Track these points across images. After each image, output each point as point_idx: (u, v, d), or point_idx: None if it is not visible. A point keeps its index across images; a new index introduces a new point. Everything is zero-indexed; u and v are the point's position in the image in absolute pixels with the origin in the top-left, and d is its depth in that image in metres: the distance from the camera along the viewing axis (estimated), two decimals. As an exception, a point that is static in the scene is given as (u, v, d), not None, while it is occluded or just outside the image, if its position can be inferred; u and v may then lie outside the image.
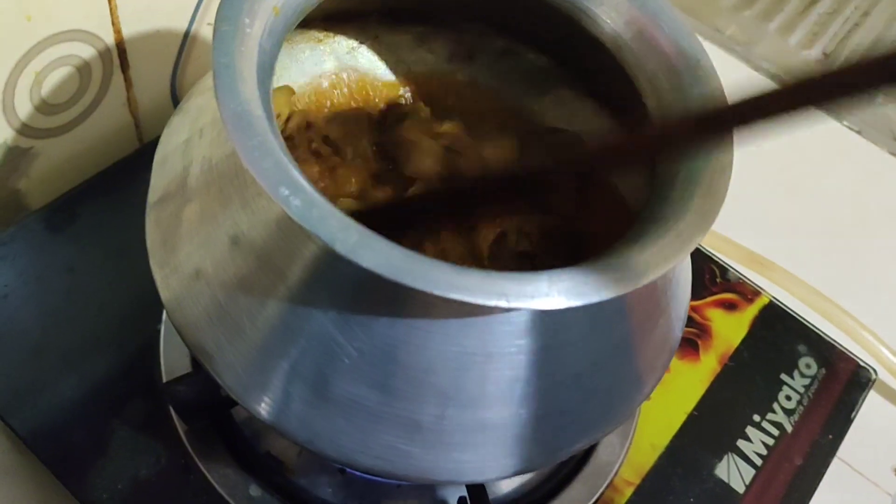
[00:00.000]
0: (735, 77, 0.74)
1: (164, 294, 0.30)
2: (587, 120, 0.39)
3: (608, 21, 0.33)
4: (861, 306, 0.53)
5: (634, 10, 0.33)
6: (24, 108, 0.41)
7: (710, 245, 0.54)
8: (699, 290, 0.48)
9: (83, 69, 0.42)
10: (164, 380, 0.39)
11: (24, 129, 0.42)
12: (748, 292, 0.49)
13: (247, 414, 0.36)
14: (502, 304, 0.24)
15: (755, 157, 0.65)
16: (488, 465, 0.29)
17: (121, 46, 0.43)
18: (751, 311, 0.48)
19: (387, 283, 0.24)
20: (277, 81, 0.38)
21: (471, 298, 0.24)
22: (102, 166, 0.45)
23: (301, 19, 0.30)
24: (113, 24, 0.42)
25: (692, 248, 0.28)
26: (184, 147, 0.31)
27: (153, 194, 0.32)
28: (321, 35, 0.40)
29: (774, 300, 0.49)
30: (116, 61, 0.44)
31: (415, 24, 0.41)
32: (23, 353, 0.39)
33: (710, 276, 0.49)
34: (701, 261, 0.50)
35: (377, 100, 0.42)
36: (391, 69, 0.41)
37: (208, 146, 0.30)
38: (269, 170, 0.24)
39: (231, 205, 0.29)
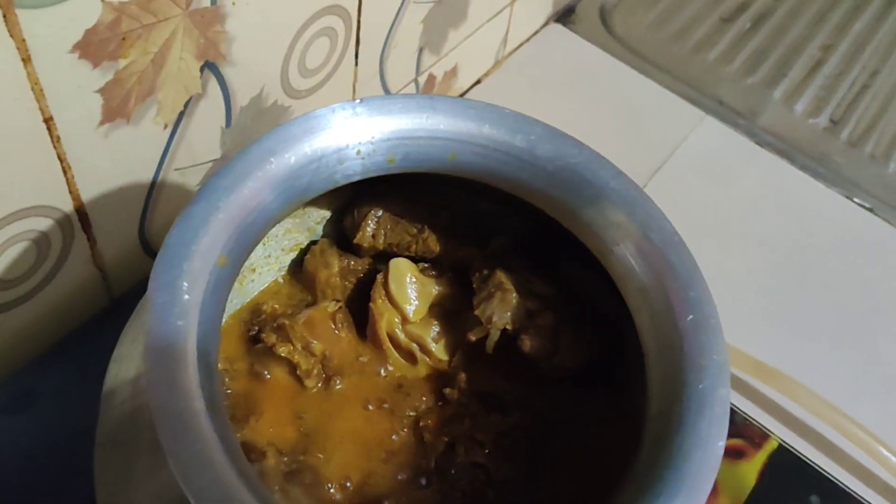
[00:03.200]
0: (738, 154, 0.72)
1: None
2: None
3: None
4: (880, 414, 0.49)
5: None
6: (-21, 290, 0.39)
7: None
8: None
9: (41, 240, 0.40)
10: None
11: (-21, 311, 0.40)
12: (756, 436, 0.46)
13: None
14: None
15: (755, 247, 0.63)
16: None
17: (81, 211, 0.41)
18: (759, 459, 0.45)
19: None
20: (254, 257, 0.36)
21: None
22: (71, 327, 0.43)
23: (249, 257, 0.28)
24: (70, 192, 0.40)
25: None
26: (132, 386, 0.29)
27: (101, 433, 0.29)
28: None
29: (784, 444, 0.46)
30: (77, 224, 0.42)
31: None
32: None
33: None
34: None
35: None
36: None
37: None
38: (203, 490, 0.22)
39: None
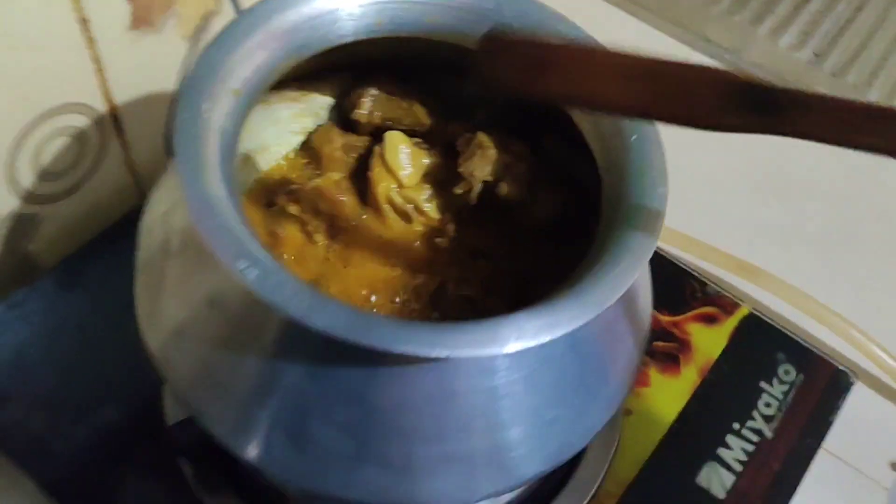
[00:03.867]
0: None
1: (152, 351, 0.33)
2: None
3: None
4: (847, 306, 0.54)
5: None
6: (26, 177, 0.44)
7: (694, 253, 0.56)
8: (679, 305, 0.50)
9: (80, 137, 0.46)
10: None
11: (28, 197, 0.45)
12: (728, 305, 0.50)
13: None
14: (438, 354, 0.26)
15: (735, 158, 0.67)
16: (456, 493, 0.32)
17: (114, 113, 0.47)
18: (730, 323, 0.49)
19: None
20: (256, 143, 0.41)
21: (414, 351, 0.26)
22: (107, 224, 0.48)
23: (261, 96, 0.33)
24: (104, 94, 0.45)
25: (629, 282, 0.30)
26: (164, 218, 0.34)
27: (140, 261, 0.35)
28: (297, 94, 0.43)
29: (754, 311, 0.50)
30: (111, 127, 0.47)
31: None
32: (38, 406, 0.43)
33: (690, 291, 0.51)
34: (681, 277, 0.51)
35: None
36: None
37: (185, 219, 0.32)
38: (228, 245, 0.27)
39: (206, 272, 0.31)
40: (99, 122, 0.46)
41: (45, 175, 0.45)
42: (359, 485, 0.31)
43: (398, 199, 0.41)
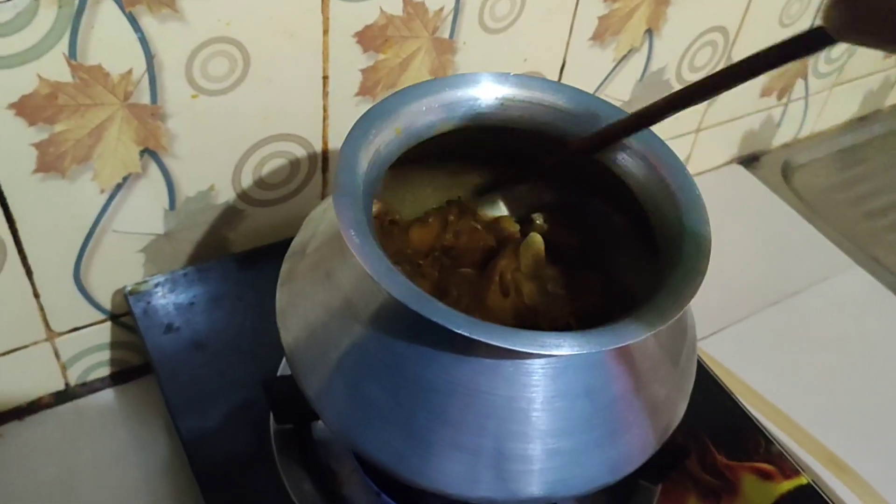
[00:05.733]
0: (880, 305, 0.77)
1: (279, 310, 0.43)
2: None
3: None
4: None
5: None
6: (246, 181, 0.58)
7: (785, 431, 0.58)
8: (739, 452, 0.53)
9: (294, 163, 0.59)
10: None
11: (243, 196, 0.58)
12: (787, 469, 0.52)
13: (324, 429, 0.48)
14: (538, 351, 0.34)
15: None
16: (456, 482, 0.38)
17: (325, 154, 0.60)
18: (784, 486, 0.51)
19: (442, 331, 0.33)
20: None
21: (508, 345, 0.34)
22: (290, 235, 0.60)
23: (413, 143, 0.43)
24: (323, 137, 0.59)
25: (672, 318, 0.36)
26: (322, 214, 0.45)
27: (292, 246, 0.45)
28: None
29: (813, 483, 0.52)
30: (319, 163, 0.60)
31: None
32: (191, 348, 0.54)
33: (754, 444, 0.53)
34: (750, 429, 0.54)
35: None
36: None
37: (328, 229, 0.43)
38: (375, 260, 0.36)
39: (334, 256, 0.41)
40: (312, 156, 0.59)
41: (261, 183, 0.59)
42: (380, 444, 0.38)
43: (508, 277, 0.49)
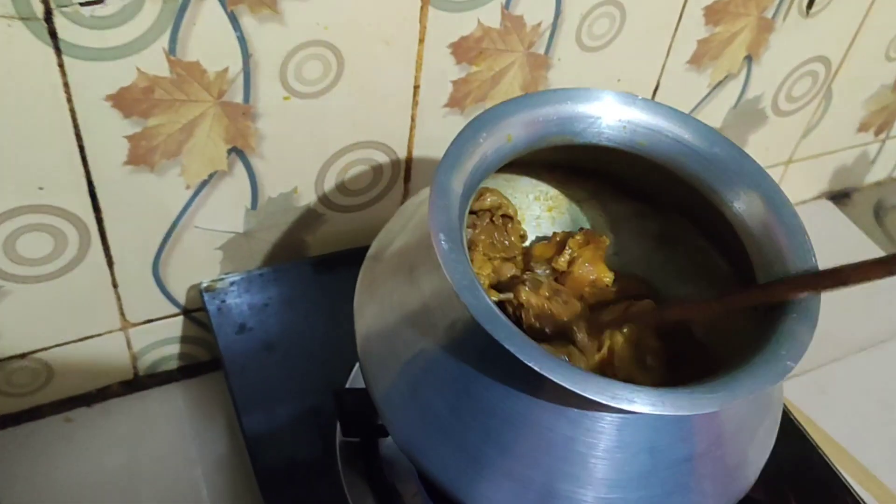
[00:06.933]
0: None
1: (357, 292, 0.42)
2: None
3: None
4: None
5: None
6: (329, 186, 0.57)
7: (874, 495, 0.55)
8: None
9: (377, 170, 0.58)
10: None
11: (324, 200, 0.58)
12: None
13: (390, 447, 0.47)
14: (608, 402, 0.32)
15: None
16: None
17: (409, 163, 0.59)
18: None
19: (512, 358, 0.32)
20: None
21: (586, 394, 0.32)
22: (368, 243, 0.60)
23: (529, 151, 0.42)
24: (408, 146, 0.58)
25: (764, 389, 0.34)
26: (405, 222, 0.44)
27: (371, 250, 0.44)
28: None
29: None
30: (403, 172, 0.59)
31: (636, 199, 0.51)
32: (261, 349, 0.54)
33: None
34: (837, 488, 0.51)
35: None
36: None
37: (416, 228, 0.42)
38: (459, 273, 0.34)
39: (420, 254, 0.40)
40: (396, 164, 0.58)
41: (343, 188, 0.58)
42: (433, 454, 0.36)
43: (608, 341, 0.46)
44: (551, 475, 0.35)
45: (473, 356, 0.36)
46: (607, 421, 0.35)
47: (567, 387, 0.32)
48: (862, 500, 0.51)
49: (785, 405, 0.57)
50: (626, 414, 0.35)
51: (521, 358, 0.32)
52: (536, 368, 0.32)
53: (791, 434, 0.54)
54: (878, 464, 0.60)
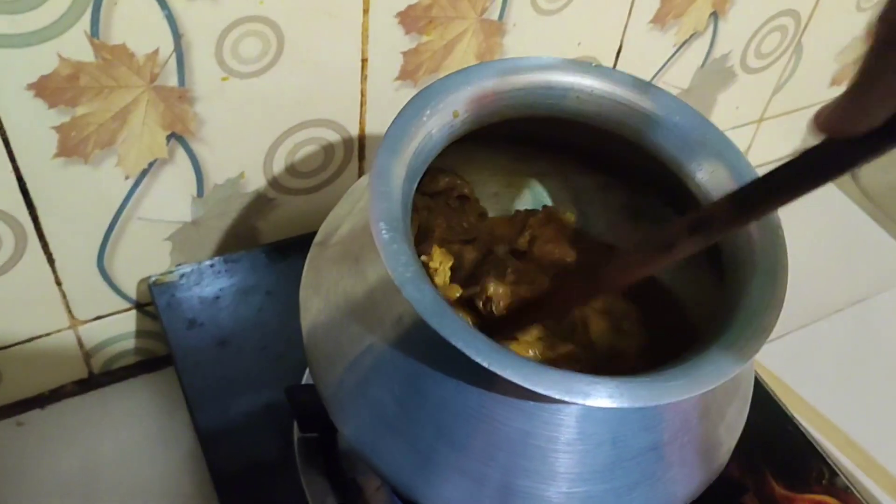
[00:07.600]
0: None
1: (303, 284, 0.40)
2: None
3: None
4: None
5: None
6: (278, 168, 0.55)
7: (851, 459, 0.54)
8: (799, 483, 0.49)
9: (328, 149, 0.55)
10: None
11: (274, 184, 0.55)
12: (852, 503, 0.48)
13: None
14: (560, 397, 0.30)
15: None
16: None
17: (362, 141, 0.56)
18: (844, 519, 0.47)
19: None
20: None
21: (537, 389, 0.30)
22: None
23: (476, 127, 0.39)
24: (360, 122, 0.55)
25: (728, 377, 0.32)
26: (351, 206, 0.41)
27: (318, 236, 0.42)
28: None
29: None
30: (356, 150, 0.57)
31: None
32: (214, 345, 0.51)
33: (816, 474, 0.49)
34: (811, 456, 0.50)
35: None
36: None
37: (362, 212, 0.39)
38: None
39: (365, 241, 0.37)
40: (348, 142, 0.56)
41: (293, 171, 0.55)
42: (383, 453, 0.34)
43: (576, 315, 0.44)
44: (509, 471, 0.34)
45: (422, 351, 0.34)
46: (566, 413, 0.33)
47: (518, 383, 0.30)
48: (839, 465, 0.50)
49: (757, 374, 0.55)
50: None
51: (468, 354, 0.30)
52: (486, 365, 0.30)
53: (764, 405, 0.52)
54: (858, 428, 0.59)
